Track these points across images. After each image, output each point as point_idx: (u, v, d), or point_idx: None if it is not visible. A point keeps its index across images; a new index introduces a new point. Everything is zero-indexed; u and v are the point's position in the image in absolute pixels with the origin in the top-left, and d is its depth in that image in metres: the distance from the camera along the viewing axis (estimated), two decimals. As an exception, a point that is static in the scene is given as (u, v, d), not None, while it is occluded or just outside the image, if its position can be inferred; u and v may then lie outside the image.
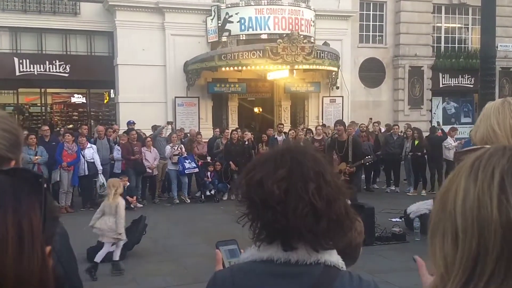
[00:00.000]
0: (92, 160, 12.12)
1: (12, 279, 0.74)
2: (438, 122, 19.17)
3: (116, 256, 7.20)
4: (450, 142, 14.37)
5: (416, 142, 14.00)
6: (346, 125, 12.24)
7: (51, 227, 0.86)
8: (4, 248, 0.74)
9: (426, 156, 13.90)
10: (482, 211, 0.75)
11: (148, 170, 12.81)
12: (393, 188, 14.63)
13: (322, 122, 19.01)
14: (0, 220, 0.75)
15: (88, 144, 12.35)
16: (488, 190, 0.75)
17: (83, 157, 12.03)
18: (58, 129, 18.97)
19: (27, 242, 0.76)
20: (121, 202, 7.28)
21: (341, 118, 18.83)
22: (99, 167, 12.20)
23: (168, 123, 15.86)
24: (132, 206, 11.96)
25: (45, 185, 0.84)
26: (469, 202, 0.77)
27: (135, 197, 12.28)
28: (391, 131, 15.36)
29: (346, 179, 9.45)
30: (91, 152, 12.19)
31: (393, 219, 10.00)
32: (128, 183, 12.22)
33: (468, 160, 0.81)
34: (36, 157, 11.29)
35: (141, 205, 12.41)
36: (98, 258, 7.04)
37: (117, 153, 12.79)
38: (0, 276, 0.74)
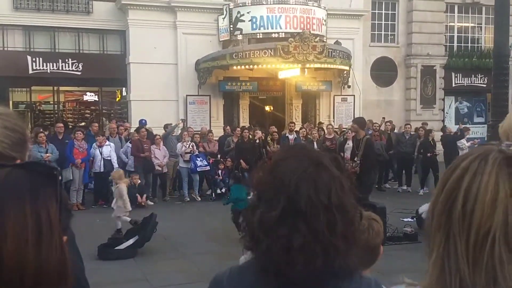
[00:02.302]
0: (109, 158, 12.18)
1: (33, 268, 0.76)
2: (461, 123, 19.10)
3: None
4: (463, 142, 14.26)
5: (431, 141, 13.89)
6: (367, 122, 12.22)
7: (66, 218, 0.88)
8: (24, 239, 0.76)
9: (437, 156, 13.78)
10: None
11: (157, 168, 12.86)
12: (405, 187, 14.55)
13: (330, 121, 19.03)
14: (19, 212, 0.77)
15: (107, 141, 12.42)
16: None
17: (100, 154, 12.10)
18: (71, 126, 19.14)
19: (45, 233, 0.78)
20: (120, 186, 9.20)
21: (353, 117, 18.85)
22: (115, 165, 12.22)
23: (182, 120, 15.90)
24: (142, 204, 12.03)
25: (60, 178, 0.85)
26: None
27: (144, 196, 12.30)
28: (403, 130, 15.32)
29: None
30: (108, 149, 12.23)
31: (405, 219, 9.95)
32: (139, 181, 12.29)
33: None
34: (47, 155, 11.36)
35: (152, 203, 12.46)
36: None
37: (125, 149, 12.84)
38: (21, 266, 0.76)
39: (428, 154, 13.60)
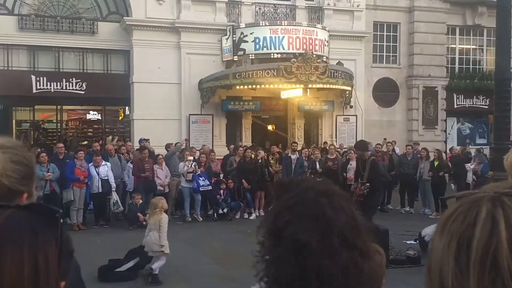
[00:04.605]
0: (106, 178, 12.16)
1: None
2: (469, 146, 19.17)
3: (156, 270, 7.71)
4: (467, 164, 14.23)
5: (436, 163, 13.81)
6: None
7: (66, 262, 0.87)
8: (20, 283, 0.76)
9: (446, 177, 13.71)
10: (443, 277, 0.75)
11: (160, 187, 12.83)
12: (407, 209, 14.48)
13: (333, 141, 19.06)
14: (17, 255, 0.77)
15: (103, 161, 12.42)
16: (447, 258, 0.75)
17: (98, 174, 12.08)
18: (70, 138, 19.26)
19: (42, 277, 0.78)
20: (164, 217, 7.87)
21: (355, 137, 18.88)
22: (113, 185, 12.22)
23: (186, 140, 15.94)
24: (144, 223, 11.96)
25: (61, 220, 0.85)
26: (435, 260, 0.77)
27: (147, 216, 12.23)
28: (405, 151, 15.31)
29: (360, 200, 9.36)
30: (105, 169, 12.23)
31: (408, 242, 9.88)
32: (141, 201, 12.25)
33: (444, 214, 0.80)
34: (48, 174, 11.38)
35: (154, 223, 12.38)
36: (156, 269, 7.74)
37: (127, 171, 12.85)
38: None
39: (440, 173, 13.52)
